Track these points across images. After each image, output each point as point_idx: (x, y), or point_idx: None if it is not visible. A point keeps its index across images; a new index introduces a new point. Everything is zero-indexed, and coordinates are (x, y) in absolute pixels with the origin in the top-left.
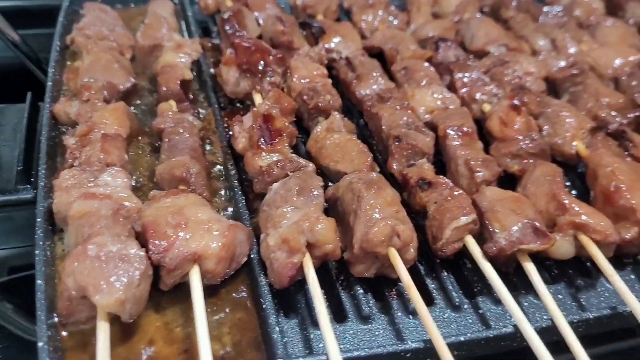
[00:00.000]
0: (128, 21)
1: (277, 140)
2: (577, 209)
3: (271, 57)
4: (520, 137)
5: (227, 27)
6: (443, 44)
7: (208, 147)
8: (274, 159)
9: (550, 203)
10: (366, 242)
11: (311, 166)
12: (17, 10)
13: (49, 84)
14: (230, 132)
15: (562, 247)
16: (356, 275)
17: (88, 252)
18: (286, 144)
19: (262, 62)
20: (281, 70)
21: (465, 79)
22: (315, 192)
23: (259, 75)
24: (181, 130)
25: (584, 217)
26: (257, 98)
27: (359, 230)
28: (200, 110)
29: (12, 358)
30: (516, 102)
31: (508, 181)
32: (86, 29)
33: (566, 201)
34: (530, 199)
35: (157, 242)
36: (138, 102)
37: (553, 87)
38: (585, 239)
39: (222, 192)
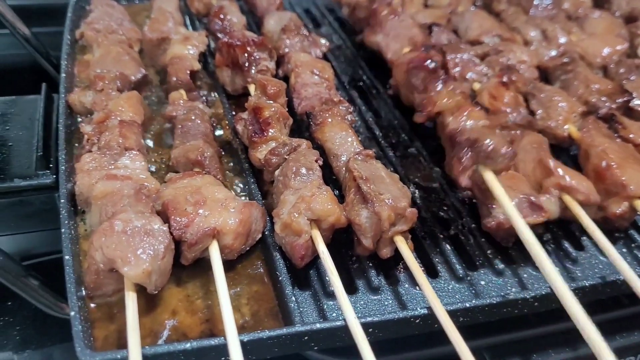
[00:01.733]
0: (133, 17)
1: (267, 129)
2: (561, 172)
3: (252, 47)
4: (508, 110)
5: (213, 29)
6: (436, 27)
7: (219, 133)
8: (270, 148)
9: (537, 168)
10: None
11: (305, 143)
12: (25, 9)
13: (63, 75)
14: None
15: (548, 208)
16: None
17: (115, 227)
18: (279, 129)
19: (245, 55)
20: (266, 53)
21: (457, 60)
22: (310, 170)
23: (246, 67)
24: (193, 117)
25: (567, 179)
26: (252, 89)
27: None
28: (210, 99)
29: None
30: (505, 79)
31: None
32: (95, 23)
33: (552, 164)
34: (519, 165)
35: (178, 218)
36: (147, 93)
37: (545, 75)
38: (569, 200)
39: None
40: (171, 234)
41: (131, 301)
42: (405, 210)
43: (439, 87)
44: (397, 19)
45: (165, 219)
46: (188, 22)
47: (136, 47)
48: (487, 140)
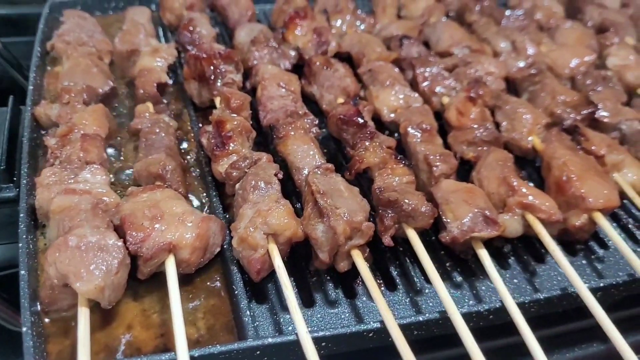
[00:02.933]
0: (107, 28)
1: (228, 143)
2: (524, 190)
3: (218, 59)
4: (475, 126)
5: (182, 41)
6: (407, 40)
7: (185, 145)
8: (231, 161)
9: (501, 186)
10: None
11: (265, 157)
12: None
13: (30, 87)
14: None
15: (511, 225)
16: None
17: (69, 243)
18: (240, 142)
19: (211, 67)
20: (233, 66)
21: (427, 74)
22: (268, 184)
23: (212, 80)
24: (157, 130)
25: (530, 198)
26: (217, 102)
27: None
28: (177, 112)
29: None
30: (472, 94)
31: (466, 169)
32: (66, 35)
33: (515, 183)
34: (484, 182)
35: (134, 233)
36: (116, 105)
37: (514, 86)
38: (531, 218)
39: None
40: (127, 248)
41: (83, 317)
42: (362, 224)
43: (367, 143)
44: (330, 70)
45: (124, 234)
46: (161, 34)
47: (106, 59)
48: (407, 201)
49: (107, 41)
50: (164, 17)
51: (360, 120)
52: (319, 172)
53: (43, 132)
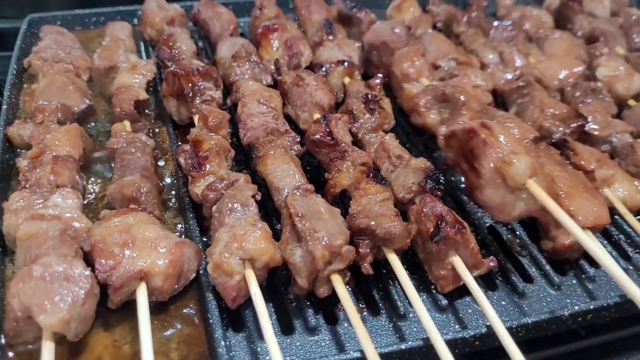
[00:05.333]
0: (87, 43)
1: (205, 164)
2: None
3: (197, 76)
4: None
5: (161, 57)
6: None
7: (162, 163)
8: (208, 183)
9: None
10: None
11: (243, 178)
12: None
13: (4, 107)
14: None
15: None
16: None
17: (33, 273)
18: (218, 162)
19: (189, 84)
20: (212, 83)
21: None
22: (245, 206)
23: (190, 98)
24: (133, 150)
25: None
26: (196, 120)
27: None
28: (157, 129)
29: None
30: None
31: None
32: (42, 52)
33: None
34: None
35: (103, 261)
36: (93, 123)
37: (502, 99)
38: None
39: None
40: (96, 277)
41: (47, 351)
42: (341, 248)
43: (339, 164)
44: (301, 87)
45: (92, 261)
46: (143, 49)
47: (85, 75)
48: (379, 225)
49: (86, 57)
50: (145, 32)
51: (331, 140)
52: (298, 194)
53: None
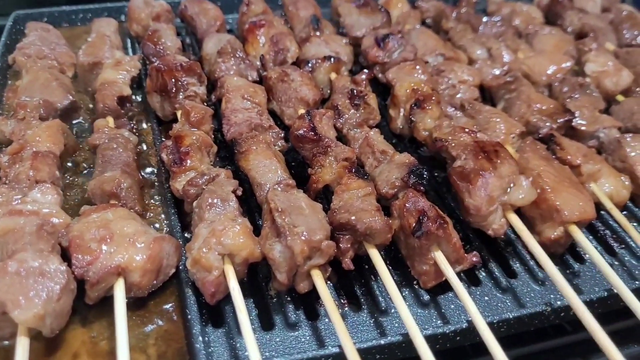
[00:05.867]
0: (74, 40)
1: (186, 159)
2: None
3: (180, 72)
4: None
5: (146, 52)
6: None
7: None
8: (189, 178)
9: None
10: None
11: (224, 173)
12: None
13: None
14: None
15: None
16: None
17: (8, 269)
18: (199, 158)
19: (172, 80)
20: (195, 78)
21: None
22: (225, 201)
23: (173, 93)
24: (115, 146)
25: None
26: (179, 115)
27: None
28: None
29: None
30: None
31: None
32: (26, 49)
33: None
34: None
35: (80, 256)
36: (77, 120)
37: (490, 95)
38: None
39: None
40: (73, 272)
41: (22, 347)
42: (321, 243)
43: (322, 159)
44: (286, 83)
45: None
46: (130, 45)
47: (70, 71)
48: (360, 220)
49: (71, 54)
50: (130, 28)
51: (314, 136)
52: (279, 189)
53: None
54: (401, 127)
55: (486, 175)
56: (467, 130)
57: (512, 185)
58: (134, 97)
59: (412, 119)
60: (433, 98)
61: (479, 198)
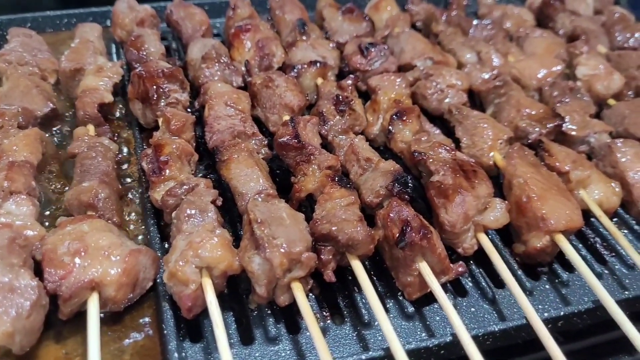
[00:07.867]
0: (58, 45)
1: (164, 168)
2: None
3: (161, 78)
4: None
5: (129, 58)
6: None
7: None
8: (167, 188)
9: None
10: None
11: (203, 183)
12: None
13: None
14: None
15: None
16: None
17: None
18: (179, 167)
19: (154, 86)
20: (177, 85)
21: None
22: (204, 212)
23: (154, 100)
24: (94, 155)
25: None
26: (160, 123)
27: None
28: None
29: None
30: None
31: None
32: (7, 55)
33: None
34: None
35: (52, 270)
36: (59, 127)
37: (479, 99)
38: None
39: (134, 217)
40: (45, 287)
41: None
42: (301, 255)
43: (305, 167)
44: (270, 89)
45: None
46: (114, 51)
47: (52, 78)
48: (342, 230)
49: (53, 60)
50: (115, 34)
51: (297, 143)
52: (259, 199)
53: None
54: (377, 133)
55: (464, 193)
56: (446, 147)
57: (487, 207)
58: (117, 104)
59: (391, 129)
60: (414, 112)
61: (455, 214)
